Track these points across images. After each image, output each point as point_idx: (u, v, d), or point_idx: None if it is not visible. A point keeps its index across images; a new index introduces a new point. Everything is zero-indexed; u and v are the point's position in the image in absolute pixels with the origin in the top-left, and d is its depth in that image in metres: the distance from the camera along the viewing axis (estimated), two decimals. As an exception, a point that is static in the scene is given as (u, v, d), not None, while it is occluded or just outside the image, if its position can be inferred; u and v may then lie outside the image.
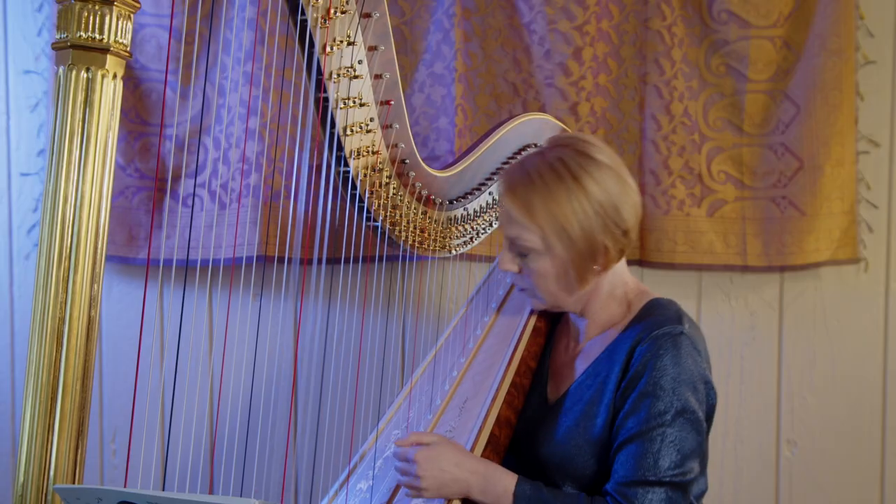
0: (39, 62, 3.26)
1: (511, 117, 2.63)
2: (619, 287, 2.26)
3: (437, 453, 2.11)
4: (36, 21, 3.26)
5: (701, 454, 2.09)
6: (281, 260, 3.15)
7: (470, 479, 2.09)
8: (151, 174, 3.24)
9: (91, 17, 1.64)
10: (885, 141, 3.26)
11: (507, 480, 2.09)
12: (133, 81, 3.16)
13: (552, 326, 2.51)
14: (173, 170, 3.21)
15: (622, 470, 2.04)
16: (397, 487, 2.17)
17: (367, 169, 2.22)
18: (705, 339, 2.17)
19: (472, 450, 2.17)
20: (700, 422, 2.06)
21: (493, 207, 2.63)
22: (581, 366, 2.25)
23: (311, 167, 2.30)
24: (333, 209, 2.26)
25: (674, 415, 2.02)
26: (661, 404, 2.02)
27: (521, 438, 2.29)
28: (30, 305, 3.20)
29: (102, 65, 1.66)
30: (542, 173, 2.11)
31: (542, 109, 3.23)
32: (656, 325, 2.09)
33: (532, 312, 2.49)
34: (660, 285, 3.21)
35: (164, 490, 2.25)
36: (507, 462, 2.21)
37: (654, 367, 2.04)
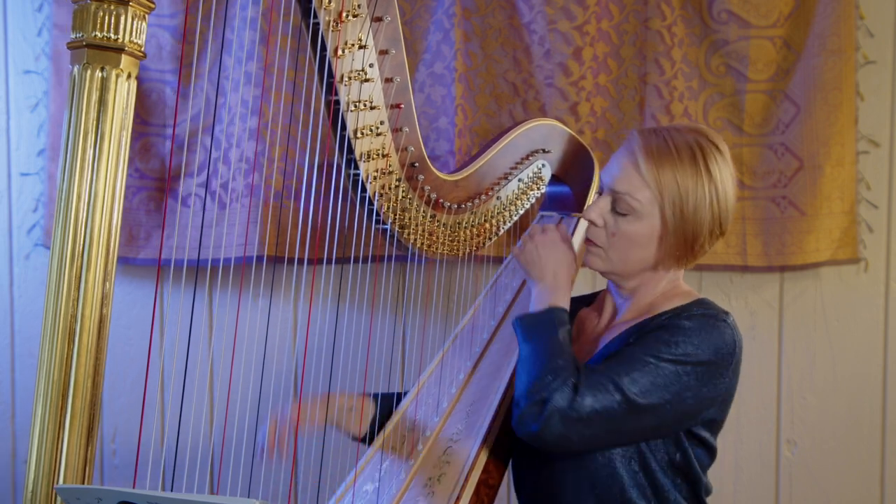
0: (39, 62, 3.26)
1: (518, 123, 2.62)
2: (673, 282, 2.29)
3: (553, 251, 2.32)
4: (36, 21, 3.26)
5: (672, 408, 2.07)
6: (281, 260, 3.15)
7: (549, 282, 2.28)
8: (151, 174, 3.24)
9: (106, 17, 1.64)
10: (885, 141, 3.27)
11: (561, 300, 2.25)
12: (133, 81, 3.16)
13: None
14: (173, 169, 3.21)
15: (602, 363, 2.10)
16: (404, 489, 2.17)
17: (376, 172, 2.22)
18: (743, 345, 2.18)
19: (476, 454, 2.17)
20: (689, 387, 2.06)
21: (500, 212, 2.63)
22: (605, 342, 2.26)
23: (316, 167, 2.30)
24: (342, 210, 2.26)
25: (671, 359, 2.04)
26: (667, 349, 2.05)
27: None
28: (30, 305, 3.22)
29: (117, 64, 1.66)
30: (678, 146, 2.15)
31: (542, 109, 3.23)
32: (703, 309, 2.13)
33: None
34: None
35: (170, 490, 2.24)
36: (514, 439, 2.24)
37: (682, 328, 2.07)
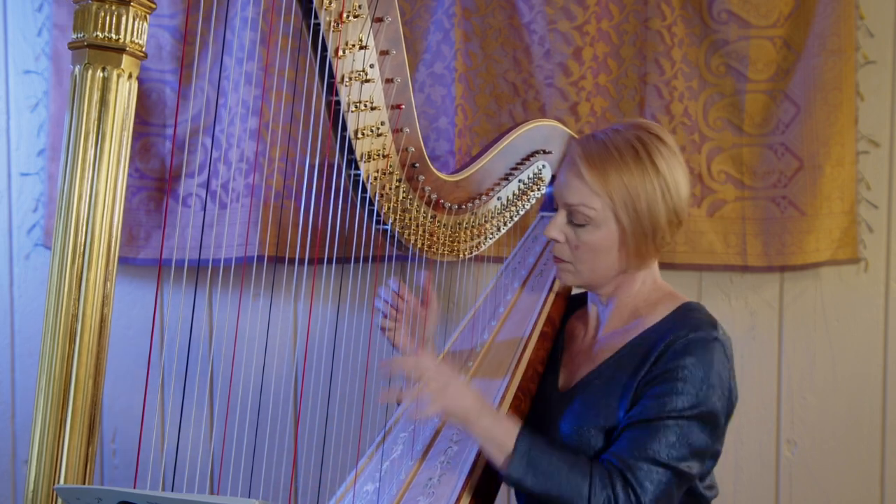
0: (39, 62, 3.26)
1: (518, 124, 2.62)
2: (650, 282, 2.29)
3: (448, 373, 2.09)
4: (36, 21, 3.25)
5: (710, 457, 2.12)
6: (282, 260, 3.15)
7: (475, 416, 2.06)
8: (151, 174, 3.24)
9: (108, 18, 1.64)
10: (885, 141, 3.27)
11: (502, 421, 2.08)
12: (133, 81, 3.16)
13: (559, 328, 2.52)
14: (173, 170, 3.21)
15: (628, 445, 2.04)
16: (404, 489, 2.17)
17: (377, 172, 2.23)
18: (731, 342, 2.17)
19: (477, 454, 2.16)
20: (717, 427, 2.07)
21: (501, 212, 2.63)
22: (600, 354, 2.25)
23: (317, 167, 2.30)
24: (343, 211, 2.26)
25: (694, 414, 2.02)
26: (683, 400, 2.02)
27: (528, 425, 2.29)
28: (30, 305, 3.22)
29: (118, 64, 1.66)
30: (619, 147, 2.15)
31: (542, 109, 3.23)
32: (693, 329, 2.09)
33: (539, 317, 2.49)
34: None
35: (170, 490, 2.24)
36: None
37: (685, 367, 2.04)
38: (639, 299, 2.28)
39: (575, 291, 2.63)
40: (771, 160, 3.23)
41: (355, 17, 2.03)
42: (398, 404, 2.21)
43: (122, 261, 3.21)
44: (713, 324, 2.13)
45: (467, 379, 2.45)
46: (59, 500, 1.67)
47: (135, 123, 3.09)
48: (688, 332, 2.09)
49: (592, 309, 2.40)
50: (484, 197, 2.54)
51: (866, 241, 3.27)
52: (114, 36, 1.64)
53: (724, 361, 2.09)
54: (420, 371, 2.07)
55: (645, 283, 2.29)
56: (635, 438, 2.04)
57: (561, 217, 2.23)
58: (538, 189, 2.67)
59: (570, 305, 2.57)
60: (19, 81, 3.28)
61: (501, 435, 2.05)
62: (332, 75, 2.05)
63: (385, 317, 2.55)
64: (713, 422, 2.05)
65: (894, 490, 3.32)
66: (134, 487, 1.66)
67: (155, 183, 3.25)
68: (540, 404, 2.33)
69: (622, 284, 2.28)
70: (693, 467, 2.03)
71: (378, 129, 2.18)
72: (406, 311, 2.52)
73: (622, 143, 2.16)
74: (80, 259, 1.67)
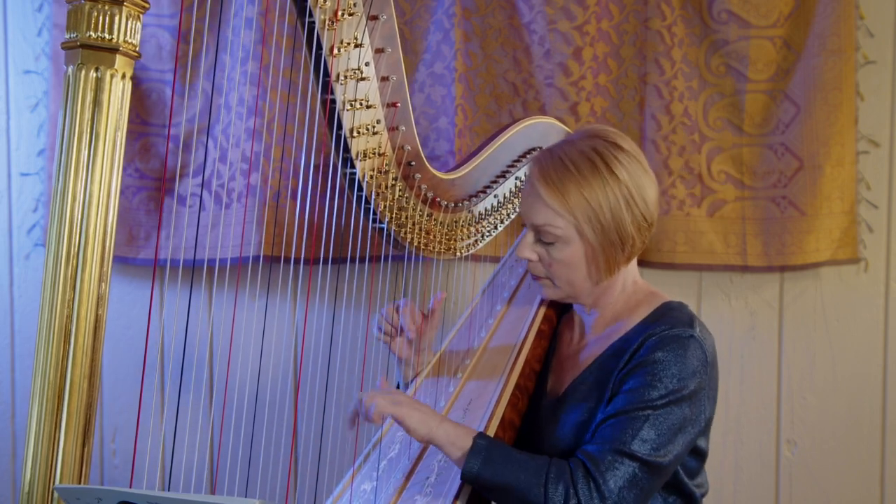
0: (39, 62, 3.26)
1: (515, 121, 2.62)
2: (630, 284, 2.29)
3: (401, 393, 2.12)
4: (36, 21, 3.26)
5: (690, 452, 2.12)
6: (279, 260, 3.15)
7: (435, 425, 2.05)
8: (151, 174, 3.24)
9: (101, 17, 1.64)
10: (885, 141, 3.26)
11: (470, 428, 2.07)
12: (133, 81, 3.15)
13: (556, 325, 2.52)
14: (173, 170, 3.21)
15: (598, 438, 2.04)
16: (402, 488, 2.17)
17: (373, 171, 2.23)
18: (714, 343, 2.17)
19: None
20: (688, 419, 2.05)
21: (497, 210, 2.63)
22: (585, 361, 2.26)
23: (313, 167, 2.30)
24: (339, 210, 2.26)
25: (665, 403, 2.02)
26: (654, 392, 2.02)
27: (521, 433, 2.29)
28: (30, 305, 3.22)
29: (111, 64, 1.66)
30: (575, 161, 2.13)
31: (542, 109, 3.23)
32: (669, 326, 2.10)
33: (536, 315, 2.49)
34: (660, 285, 3.16)
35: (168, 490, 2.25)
36: (510, 438, 2.22)
37: (657, 362, 2.05)
38: (619, 303, 2.28)
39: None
40: (771, 160, 3.23)
41: (350, 15, 2.03)
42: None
43: (122, 261, 3.22)
44: (690, 322, 2.13)
45: (465, 376, 2.46)
46: (55, 501, 1.67)
47: (135, 123, 3.13)
48: (664, 329, 2.09)
49: (577, 318, 2.41)
50: (481, 194, 2.54)
51: (866, 241, 3.26)
52: (107, 36, 1.65)
53: (702, 357, 2.08)
54: (371, 394, 2.07)
55: (625, 287, 2.29)
56: (606, 432, 2.04)
57: (529, 237, 2.24)
58: (535, 186, 2.67)
59: (565, 304, 2.57)
60: (19, 81, 3.28)
61: (462, 437, 2.04)
62: (327, 74, 2.05)
63: (380, 330, 2.54)
64: (686, 414, 2.05)
65: (894, 490, 3.31)
66: (130, 487, 1.65)
67: (155, 183, 3.25)
68: (532, 413, 2.33)
69: (604, 293, 2.27)
70: (666, 459, 2.02)
71: (373, 127, 2.17)
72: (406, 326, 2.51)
73: (577, 156, 2.14)
74: (75, 260, 1.67)
